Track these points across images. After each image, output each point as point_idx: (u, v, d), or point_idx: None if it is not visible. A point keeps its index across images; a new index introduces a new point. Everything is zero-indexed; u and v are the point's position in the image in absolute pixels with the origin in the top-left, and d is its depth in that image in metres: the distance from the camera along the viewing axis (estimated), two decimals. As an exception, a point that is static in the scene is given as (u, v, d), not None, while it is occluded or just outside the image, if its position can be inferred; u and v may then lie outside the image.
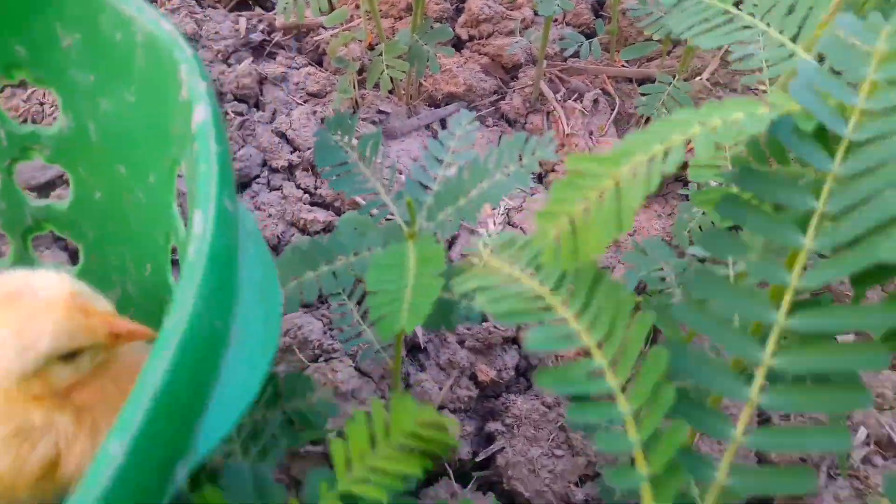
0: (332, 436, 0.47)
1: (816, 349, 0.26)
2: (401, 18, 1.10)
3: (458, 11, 1.13)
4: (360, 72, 0.95)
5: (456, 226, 0.50)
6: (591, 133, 0.96)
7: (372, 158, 0.55)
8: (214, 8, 1.08)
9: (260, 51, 0.94)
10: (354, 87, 0.90)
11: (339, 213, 0.81)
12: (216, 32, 0.95)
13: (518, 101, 1.00)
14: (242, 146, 0.83)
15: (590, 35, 1.10)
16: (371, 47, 0.98)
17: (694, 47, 0.88)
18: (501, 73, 1.07)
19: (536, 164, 0.51)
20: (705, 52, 1.06)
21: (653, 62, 1.05)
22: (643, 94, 0.89)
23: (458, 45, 1.11)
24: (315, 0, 0.75)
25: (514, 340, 0.81)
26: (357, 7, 1.07)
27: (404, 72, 0.85)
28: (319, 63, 0.99)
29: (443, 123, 0.98)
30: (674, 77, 0.94)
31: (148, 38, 0.41)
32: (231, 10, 1.08)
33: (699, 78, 1.00)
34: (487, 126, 1.00)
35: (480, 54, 1.08)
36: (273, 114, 0.86)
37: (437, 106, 1.01)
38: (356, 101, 0.91)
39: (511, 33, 1.09)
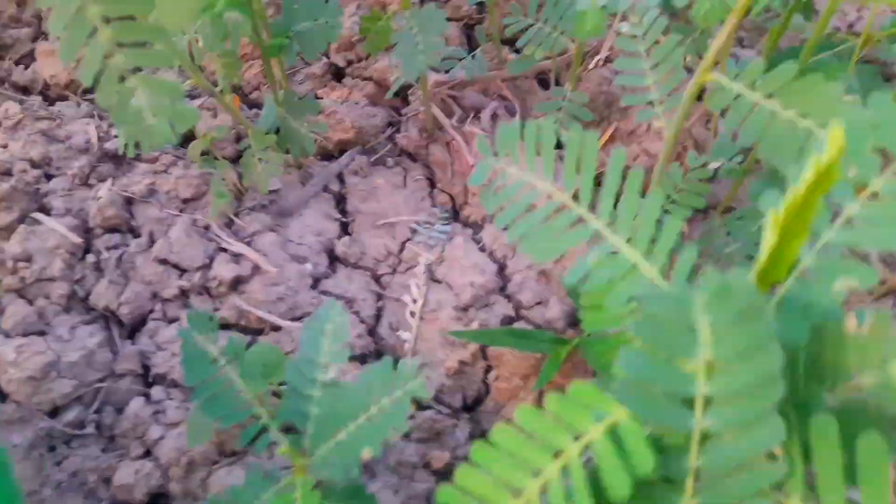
0: None
1: None
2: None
3: (329, 35, 1.03)
4: (236, 160, 0.86)
5: (341, 470, 0.44)
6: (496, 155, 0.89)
7: (239, 364, 0.48)
8: (64, 99, 0.98)
9: (120, 160, 0.85)
10: (234, 179, 0.82)
11: (246, 331, 0.75)
12: (68, 148, 0.85)
13: (414, 133, 0.92)
14: (126, 284, 0.76)
15: (472, 33, 1.01)
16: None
17: (581, 52, 0.80)
18: (391, 99, 0.98)
19: (408, 403, 0.45)
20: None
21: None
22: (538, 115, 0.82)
23: (337, 73, 1.01)
24: (158, 127, 0.66)
25: (467, 409, 0.77)
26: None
27: (280, 164, 0.77)
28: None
29: (340, 178, 0.91)
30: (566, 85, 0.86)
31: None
32: (84, 98, 0.97)
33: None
34: (388, 167, 0.92)
35: (364, 80, 0.99)
36: (150, 237, 0.78)
37: (331, 157, 0.93)
38: (240, 191, 0.83)
39: (392, 48, 1.00)
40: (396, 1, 1.00)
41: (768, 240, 0.27)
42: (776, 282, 0.30)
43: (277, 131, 0.83)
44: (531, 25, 0.80)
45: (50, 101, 0.97)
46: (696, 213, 0.76)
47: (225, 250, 0.78)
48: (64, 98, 0.98)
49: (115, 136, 0.85)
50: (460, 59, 0.94)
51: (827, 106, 0.46)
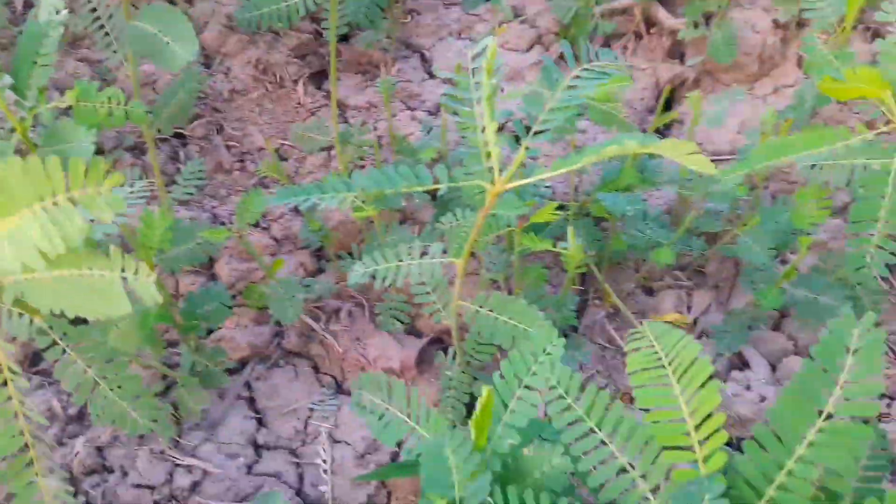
0: None
1: None
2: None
3: (213, 278, 1.38)
4: (165, 392, 1.18)
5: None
6: (358, 339, 1.25)
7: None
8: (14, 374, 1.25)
9: (83, 418, 1.14)
10: (171, 412, 1.13)
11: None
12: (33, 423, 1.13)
13: (294, 338, 1.27)
14: (114, 512, 1.04)
15: (321, 254, 1.39)
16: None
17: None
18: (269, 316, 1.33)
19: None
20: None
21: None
22: (377, 313, 1.20)
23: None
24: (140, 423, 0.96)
25: (376, 529, 1.09)
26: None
27: (205, 397, 1.10)
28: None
29: (248, 386, 1.23)
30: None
31: None
32: (32, 371, 1.25)
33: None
34: (281, 367, 1.26)
35: (248, 308, 1.33)
36: (122, 470, 1.08)
37: (235, 371, 1.26)
38: (178, 419, 1.14)
39: (265, 278, 1.36)
40: (260, 251, 1.37)
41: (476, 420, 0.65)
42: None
43: (192, 367, 1.16)
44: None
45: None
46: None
47: (179, 465, 1.08)
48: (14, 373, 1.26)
49: (73, 403, 1.14)
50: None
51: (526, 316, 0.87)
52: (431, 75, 1.85)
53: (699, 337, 1.19)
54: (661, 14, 1.83)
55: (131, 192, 1.14)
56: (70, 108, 1.10)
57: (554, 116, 0.82)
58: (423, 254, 0.90)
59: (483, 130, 0.80)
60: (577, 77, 0.85)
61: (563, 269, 1.29)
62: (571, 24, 1.87)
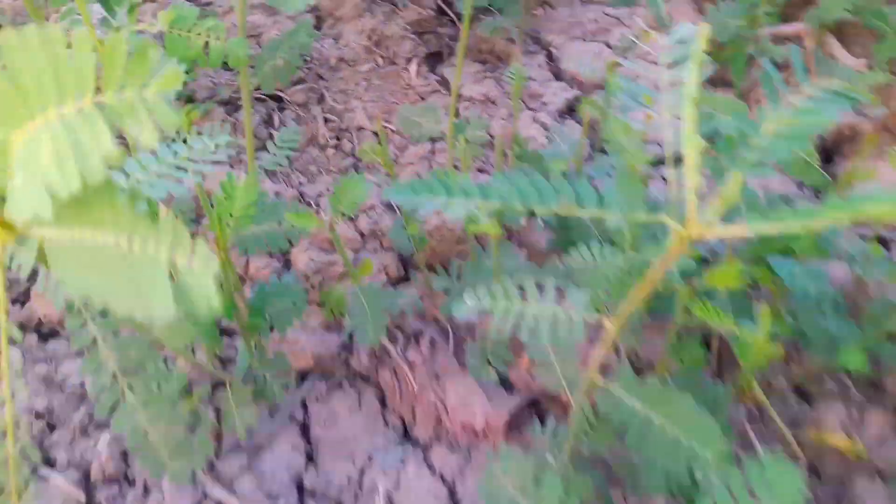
0: None
1: None
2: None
3: (287, 265, 1.20)
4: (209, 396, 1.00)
5: None
6: (437, 377, 1.05)
7: None
8: (56, 335, 1.10)
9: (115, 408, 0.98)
10: (213, 420, 0.96)
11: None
12: (67, 395, 0.98)
13: (365, 358, 1.09)
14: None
15: (408, 262, 1.20)
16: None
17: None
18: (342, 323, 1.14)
19: None
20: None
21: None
22: (466, 352, 1.00)
23: (294, 302, 1.18)
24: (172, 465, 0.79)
25: None
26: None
27: (254, 413, 0.92)
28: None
29: (303, 405, 1.05)
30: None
31: None
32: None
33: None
34: (344, 390, 1.07)
35: (318, 305, 1.15)
36: (145, 486, 0.91)
37: (294, 386, 1.08)
38: (219, 433, 0.97)
39: (343, 276, 1.17)
40: (343, 244, 1.18)
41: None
42: None
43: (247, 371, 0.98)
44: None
45: (43, 337, 1.10)
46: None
47: (209, 497, 0.91)
48: (56, 333, 1.11)
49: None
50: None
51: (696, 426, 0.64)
52: (557, 76, 1.64)
53: (872, 477, 0.95)
54: (836, 49, 1.58)
55: (215, 147, 0.93)
56: (162, 34, 0.94)
57: (777, 145, 0.60)
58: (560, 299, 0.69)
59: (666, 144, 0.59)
60: (810, 96, 0.63)
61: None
62: (727, 43, 1.63)
